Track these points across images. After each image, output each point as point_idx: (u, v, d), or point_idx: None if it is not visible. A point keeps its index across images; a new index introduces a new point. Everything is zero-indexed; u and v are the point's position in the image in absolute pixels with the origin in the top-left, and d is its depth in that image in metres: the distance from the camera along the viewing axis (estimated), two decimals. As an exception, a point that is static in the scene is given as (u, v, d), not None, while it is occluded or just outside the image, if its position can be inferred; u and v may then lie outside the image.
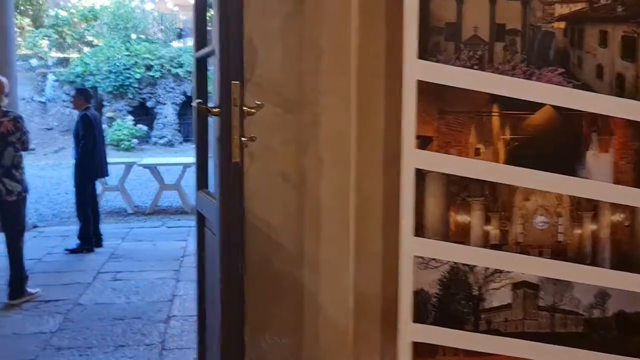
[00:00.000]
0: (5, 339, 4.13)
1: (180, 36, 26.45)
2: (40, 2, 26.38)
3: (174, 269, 5.89)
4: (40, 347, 3.98)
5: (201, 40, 2.53)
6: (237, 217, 1.99)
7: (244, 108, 1.98)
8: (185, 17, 28.84)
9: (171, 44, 22.77)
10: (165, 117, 19.80)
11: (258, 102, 2.06)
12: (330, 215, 2.33)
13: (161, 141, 19.63)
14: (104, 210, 9.26)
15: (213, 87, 2.37)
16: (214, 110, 1.99)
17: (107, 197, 9.85)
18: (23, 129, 4.82)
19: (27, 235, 5.16)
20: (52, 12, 23.12)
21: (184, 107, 20.24)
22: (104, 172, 7.06)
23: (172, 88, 19.78)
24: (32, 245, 6.52)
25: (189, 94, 19.96)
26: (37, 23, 24.43)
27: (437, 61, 2.02)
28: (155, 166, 9.35)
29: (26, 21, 25.05)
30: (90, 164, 6.66)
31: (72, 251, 6.60)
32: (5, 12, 7.64)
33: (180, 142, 20.00)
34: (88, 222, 6.70)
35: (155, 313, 4.63)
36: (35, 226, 7.96)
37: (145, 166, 9.38)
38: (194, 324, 4.39)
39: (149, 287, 5.28)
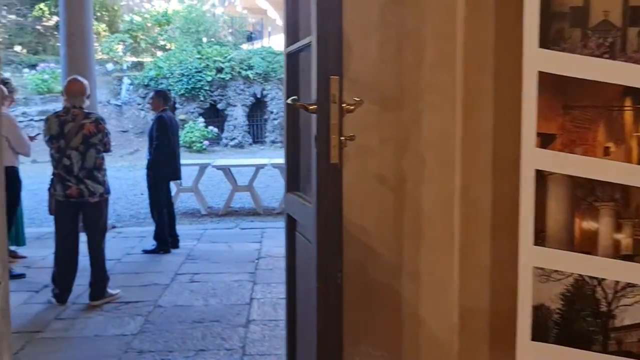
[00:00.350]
0: (87, 340, 4.14)
1: (249, 39, 26.74)
2: (116, 8, 27.26)
3: (249, 271, 5.83)
4: (122, 349, 3.97)
5: (292, 35, 2.40)
6: (336, 223, 1.84)
7: (343, 105, 1.82)
8: (254, 20, 29.18)
9: (241, 46, 23.03)
10: (236, 119, 20.01)
11: (357, 99, 1.90)
12: (432, 222, 2.15)
13: (231, 143, 19.84)
14: (179, 212, 9.35)
15: (303, 84, 2.23)
16: (311, 107, 1.84)
17: (182, 198, 9.95)
18: (105, 130, 4.85)
19: (107, 236, 5.18)
20: (127, 18, 23.81)
21: (253, 109, 20.41)
22: (177, 175, 7.09)
23: (242, 90, 19.97)
24: (111, 246, 6.58)
25: (258, 96, 20.12)
26: (112, 28, 25.23)
27: (561, 50, 1.81)
28: (229, 168, 9.37)
29: (102, 27, 25.92)
30: (163, 166, 6.68)
31: (149, 252, 6.66)
32: (85, 17, 7.80)
33: (250, 144, 20.18)
34: (163, 224, 6.73)
35: (234, 316, 4.56)
36: (114, 227, 8.10)
37: (218, 167, 9.41)
38: (274, 328, 4.30)
39: (226, 290, 5.22)
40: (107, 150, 4.96)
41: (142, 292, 5.20)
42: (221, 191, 11.29)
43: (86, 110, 4.85)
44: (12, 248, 6.34)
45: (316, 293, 1.86)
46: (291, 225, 2.43)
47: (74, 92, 4.80)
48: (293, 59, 2.41)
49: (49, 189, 4.89)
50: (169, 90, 19.21)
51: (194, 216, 9.16)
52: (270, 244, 7.06)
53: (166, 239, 6.70)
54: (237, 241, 7.23)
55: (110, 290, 4.97)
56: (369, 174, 2.19)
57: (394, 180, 2.17)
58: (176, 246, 6.85)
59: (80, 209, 4.84)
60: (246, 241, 7.22)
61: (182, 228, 7.94)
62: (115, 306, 4.82)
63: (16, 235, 6.32)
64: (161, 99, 6.84)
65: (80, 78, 5.00)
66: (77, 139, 4.70)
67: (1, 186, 2.12)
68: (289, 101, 2.17)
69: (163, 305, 4.84)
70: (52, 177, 4.86)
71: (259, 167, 9.42)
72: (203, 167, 9.46)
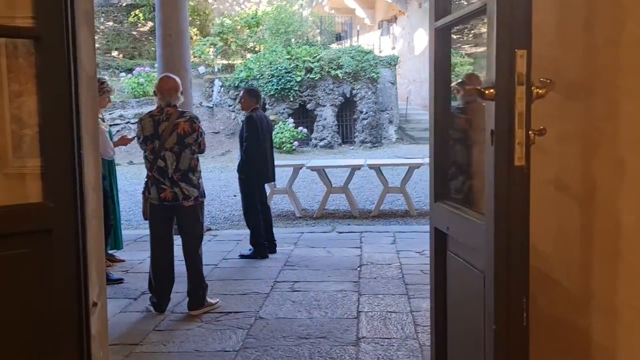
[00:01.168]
0: (187, 356, 3.85)
1: (338, 38, 26.47)
2: (207, 12, 27.70)
3: (353, 280, 5.43)
4: (224, 368, 3.66)
5: (442, 7, 1.96)
6: (522, 248, 1.39)
7: (532, 88, 1.37)
8: (342, 20, 28.89)
9: (330, 46, 22.76)
10: (325, 119, 19.74)
11: (545, 79, 1.44)
12: (635, 242, 1.64)
13: (321, 143, 19.60)
14: (272, 214, 9.11)
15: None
16: (488, 91, 1.40)
17: (275, 200, 9.71)
18: (200, 130, 4.59)
19: (203, 239, 4.92)
20: (217, 21, 24.08)
21: (342, 109, 20.07)
22: (270, 177, 6.76)
23: (331, 90, 19.68)
24: (208, 250, 6.38)
25: (347, 96, 19.76)
26: (203, 32, 25.62)
27: None
28: (323, 169, 9.02)
29: (194, 31, 26.39)
30: (255, 168, 6.38)
31: (246, 257, 6.39)
32: (181, 17, 7.67)
33: (340, 144, 19.86)
34: (258, 229, 6.45)
35: (342, 333, 4.16)
36: (209, 229, 7.94)
37: (312, 169, 9.08)
38: (388, 348, 3.87)
39: (330, 301, 4.84)
40: (202, 151, 4.69)
41: (242, 301, 4.90)
42: (314, 193, 11.00)
43: (180, 109, 4.60)
44: (110, 252, 6.25)
45: (491, 335, 1.42)
46: (440, 242, 1.99)
47: (167, 89, 4.56)
48: (444, 35, 1.97)
49: (143, 193, 4.68)
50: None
51: (288, 218, 8.88)
52: (371, 249, 6.64)
53: (263, 244, 6.42)
54: (335, 246, 6.85)
55: (209, 299, 4.70)
56: (542, 179, 1.72)
57: (579, 187, 1.69)
58: (274, 251, 6.56)
59: (174, 213, 4.60)
60: (345, 246, 6.84)
61: (277, 231, 7.66)
62: (215, 317, 4.54)
63: (114, 238, 6.21)
64: (252, 97, 6.53)
65: (171, 75, 4.76)
66: (171, 139, 4.45)
67: (99, 203, 1.81)
68: (454, 85, 1.74)
69: (265, 317, 4.51)
70: (145, 180, 4.64)
71: (354, 168, 9.02)
72: (297, 168, 9.16)
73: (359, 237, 7.35)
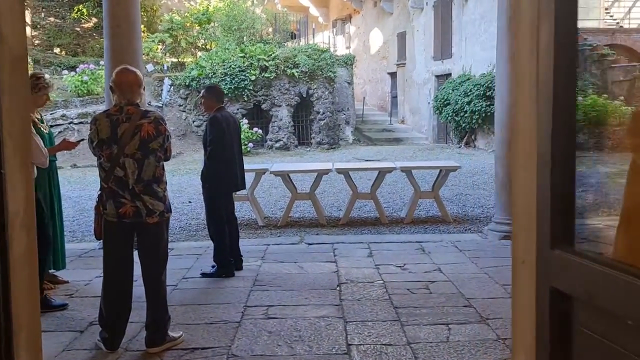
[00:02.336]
0: (150, 411, 3.14)
1: (293, 37, 25.80)
2: (154, 9, 26.60)
3: (334, 303, 4.79)
4: None
5: None
6: None
7: None
8: (296, 18, 28.20)
9: (285, 44, 22.08)
10: (280, 119, 19.06)
11: None
12: None
13: (277, 145, 18.92)
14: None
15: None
16: None
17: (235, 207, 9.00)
18: (166, 132, 3.88)
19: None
20: (166, 17, 23.05)
21: (298, 109, 19.43)
22: (239, 185, 6.06)
23: (287, 89, 19.03)
24: (165, 268, 5.67)
25: (304, 95, 19.13)
26: (151, 29, 24.55)
27: None
28: (288, 174, 8.35)
29: (140, 28, 25.28)
30: (220, 174, 5.69)
31: (208, 276, 5.68)
32: (132, 6, 6.87)
33: (296, 146, 19.21)
34: (224, 244, 5.74)
35: (334, 374, 3.52)
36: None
37: (277, 174, 8.40)
38: (393, 397, 3.26)
39: (313, 331, 4.19)
40: (168, 157, 3.99)
41: (209, 333, 4.20)
42: (275, 198, 10.32)
43: (143, 108, 3.88)
44: (52, 272, 5.44)
45: None
46: (562, 310, 1.36)
47: (127, 84, 3.83)
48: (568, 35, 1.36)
49: (96, 208, 3.92)
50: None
51: (250, 228, 8.17)
52: (347, 264, 6.03)
53: (229, 261, 5.72)
54: (307, 260, 6.21)
55: (171, 334, 3.98)
56: None
57: None
58: (240, 267, 5.87)
59: (135, 231, 3.88)
60: (318, 260, 6.20)
61: (241, 243, 6.99)
62: (179, 355, 3.83)
63: (56, 256, 5.39)
64: (214, 96, 5.82)
65: (131, 67, 4.01)
66: (133, 143, 3.73)
67: (31, 245, 1.12)
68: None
69: (238, 354, 3.83)
70: (99, 192, 3.88)
71: (321, 173, 8.39)
72: (259, 174, 8.46)
73: (331, 249, 6.72)
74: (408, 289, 5.11)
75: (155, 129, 3.80)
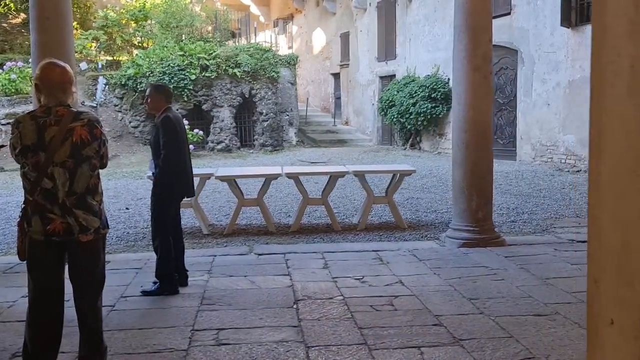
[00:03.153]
0: None
1: (233, 36, 25.17)
2: (88, 5, 25.47)
3: (292, 324, 4.36)
4: None
5: None
6: None
7: None
8: (237, 17, 27.55)
9: (226, 43, 21.46)
10: (222, 120, 18.46)
11: None
12: None
13: (218, 147, 18.31)
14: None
15: None
16: None
17: (177, 215, 8.45)
18: (102, 137, 3.35)
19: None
20: (100, 14, 22.03)
21: (241, 110, 18.88)
22: (190, 191, 5.59)
23: (229, 89, 18.45)
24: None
25: (246, 96, 18.59)
26: (85, 26, 23.45)
27: None
28: (234, 179, 7.86)
29: (74, 24, 24.13)
30: (172, 179, 5.21)
31: (150, 294, 5.15)
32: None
33: (238, 148, 18.66)
34: (168, 257, 5.23)
35: (300, 413, 3.09)
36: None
37: (223, 179, 7.89)
38: None
39: (271, 359, 3.75)
40: (104, 164, 3.46)
41: (154, 364, 3.70)
42: (219, 203, 9.80)
43: (75, 109, 3.34)
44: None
45: None
46: None
47: (57, 81, 3.28)
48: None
49: (19, 224, 3.35)
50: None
51: (194, 237, 7.63)
52: (302, 277, 5.61)
53: (172, 277, 5.20)
54: (258, 274, 5.75)
55: (109, 368, 3.47)
56: None
57: None
58: (185, 283, 5.36)
59: (66, 251, 3.34)
60: (270, 274, 5.75)
61: (185, 254, 6.49)
62: (119, 394, 3.32)
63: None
64: (162, 95, 5.32)
65: (60, 62, 3.44)
66: (63, 150, 3.19)
67: None
68: None
69: (188, 390, 3.35)
70: (23, 206, 3.32)
71: (270, 179, 7.94)
72: (204, 179, 7.94)
73: (284, 259, 6.29)
74: (371, 306, 4.73)
75: (90, 132, 3.27)
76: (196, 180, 8.02)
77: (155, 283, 5.23)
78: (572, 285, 5.17)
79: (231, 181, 7.78)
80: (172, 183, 5.20)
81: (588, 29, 12.57)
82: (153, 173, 5.34)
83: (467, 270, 5.78)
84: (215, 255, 6.56)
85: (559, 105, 13.50)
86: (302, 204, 7.91)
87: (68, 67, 3.40)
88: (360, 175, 7.90)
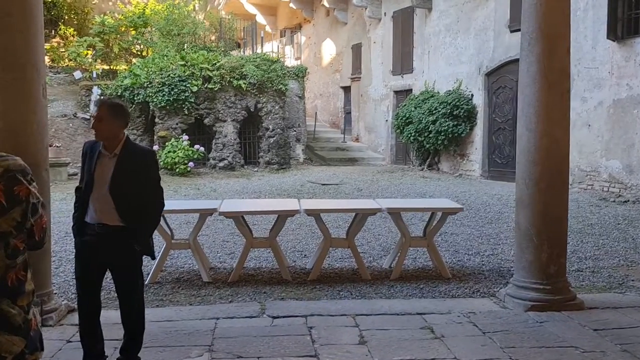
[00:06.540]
0: None
1: (238, 46, 23.86)
2: (86, 11, 24.19)
3: None
4: None
5: None
6: None
7: None
8: (243, 25, 26.23)
9: (231, 53, 20.13)
10: (225, 136, 17.07)
11: None
12: None
13: (220, 164, 16.90)
14: (168, 276, 6.43)
15: None
16: None
17: (173, 256, 7.04)
18: (30, 198, 1.95)
19: None
20: (97, 19, 20.69)
21: (245, 125, 17.50)
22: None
23: (233, 103, 17.08)
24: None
25: (252, 110, 17.22)
26: (82, 33, 22.14)
27: None
28: (242, 215, 6.45)
29: (70, 31, 22.79)
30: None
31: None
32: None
33: (242, 165, 17.25)
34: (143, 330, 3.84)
35: None
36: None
37: (228, 215, 6.49)
38: None
39: None
40: (39, 244, 2.05)
41: None
42: (223, 237, 8.38)
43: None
44: None
45: None
46: None
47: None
48: None
49: None
50: (147, 102, 16.26)
51: (192, 286, 6.20)
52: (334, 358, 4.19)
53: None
54: (275, 353, 4.34)
55: None
56: None
57: None
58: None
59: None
60: (292, 354, 4.33)
61: (178, 314, 5.10)
62: None
63: None
64: (121, 120, 3.87)
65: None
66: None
67: None
68: None
69: None
70: None
71: (285, 215, 6.52)
72: (204, 215, 6.50)
73: (306, 327, 4.88)
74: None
75: (7, 192, 1.87)
76: (195, 217, 6.67)
77: None
78: None
79: (238, 218, 6.37)
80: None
81: (637, 42, 11.22)
82: (127, 223, 3.88)
83: (552, 353, 4.35)
84: (218, 318, 5.13)
85: (601, 126, 12.11)
86: (324, 247, 6.49)
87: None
88: (395, 213, 6.48)
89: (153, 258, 4.24)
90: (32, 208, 1.96)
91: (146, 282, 5.97)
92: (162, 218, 6.32)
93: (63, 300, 5.32)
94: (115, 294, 4.10)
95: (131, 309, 3.94)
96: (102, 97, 16.04)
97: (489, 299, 5.74)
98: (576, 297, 5.46)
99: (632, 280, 6.39)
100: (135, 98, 16.33)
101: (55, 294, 5.31)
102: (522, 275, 5.49)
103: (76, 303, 4.49)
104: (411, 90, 18.36)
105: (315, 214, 6.46)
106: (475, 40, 15.76)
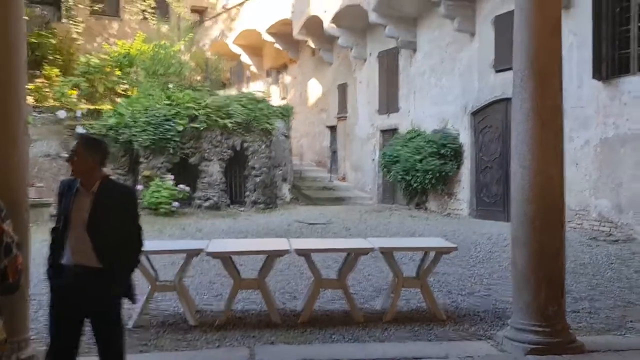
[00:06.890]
0: None
1: (224, 85, 23.90)
2: (71, 52, 24.15)
3: None
4: None
5: None
6: None
7: None
8: (226, 67, 26.34)
9: (217, 92, 20.10)
10: (211, 175, 16.88)
11: None
12: None
13: (206, 204, 16.66)
14: (153, 320, 6.18)
15: None
16: None
17: (157, 299, 6.78)
18: (3, 237, 1.77)
19: None
20: (82, 59, 20.61)
21: (231, 164, 17.34)
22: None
23: (219, 142, 16.94)
24: None
25: (237, 149, 17.10)
26: (67, 73, 22.04)
27: None
28: (229, 256, 6.26)
29: (55, 71, 22.70)
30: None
31: None
32: (13, 17, 4.73)
33: (228, 205, 17.03)
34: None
35: None
36: None
37: (216, 255, 6.29)
38: None
39: None
40: (12, 287, 1.88)
41: None
42: (208, 278, 8.14)
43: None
44: None
45: None
46: None
47: None
48: None
49: None
50: (131, 141, 16.09)
51: (177, 330, 5.95)
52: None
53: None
54: (266, 402, 4.10)
55: None
56: None
57: None
58: None
59: None
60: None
61: (166, 356, 4.87)
62: None
63: None
64: (97, 155, 3.71)
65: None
66: None
67: None
68: None
69: None
70: None
71: (274, 255, 6.33)
72: (191, 255, 6.29)
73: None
74: None
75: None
76: (181, 258, 6.45)
77: None
78: None
79: (226, 259, 6.16)
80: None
81: (622, 82, 11.32)
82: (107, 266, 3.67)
83: (558, 399, 4.16)
84: (204, 365, 4.89)
85: (588, 165, 12.12)
86: (314, 288, 6.29)
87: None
88: (387, 253, 6.32)
89: (134, 302, 4.02)
90: (6, 248, 1.78)
91: (129, 327, 5.73)
92: (146, 259, 6.12)
93: (43, 347, 5.05)
94: (94, 340, 3.87)
95: (111, 358, 3.71)
96: (80, 133, 15.86)
97: (486, 342, 5.55)
98: (576, 340, 5.29)
99: (631, 322, 6.24)
100: (120, 137, 16.16)
101: (33, 339, 5.03)
102: (520, 316, 5.32)
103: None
104: (397, 129, 18.39)
105: (306, 253, 6.27)
106: (461, 80, 15.88)
